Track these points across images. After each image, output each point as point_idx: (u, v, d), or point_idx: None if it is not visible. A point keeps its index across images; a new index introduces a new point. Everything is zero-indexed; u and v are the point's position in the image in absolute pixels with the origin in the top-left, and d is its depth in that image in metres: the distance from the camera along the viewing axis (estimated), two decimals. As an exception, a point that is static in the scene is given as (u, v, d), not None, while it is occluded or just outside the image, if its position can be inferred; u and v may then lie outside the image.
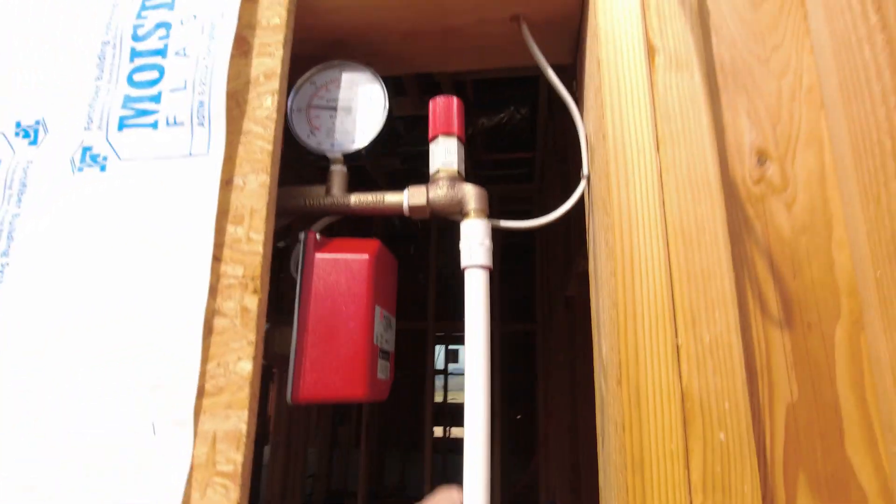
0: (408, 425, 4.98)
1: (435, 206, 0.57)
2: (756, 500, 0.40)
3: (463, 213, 0.56)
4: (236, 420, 0.46)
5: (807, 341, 0.48)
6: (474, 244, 0.54)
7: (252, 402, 0.47)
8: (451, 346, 5.34)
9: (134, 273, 0.48)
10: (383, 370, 0.55)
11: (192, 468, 0.45)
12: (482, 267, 0.54)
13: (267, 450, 2.85)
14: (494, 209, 0.58)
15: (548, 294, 2.54)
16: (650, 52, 0.49)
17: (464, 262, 0.55)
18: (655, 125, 0.47)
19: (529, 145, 2.71)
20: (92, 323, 0.48)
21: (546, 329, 2.60)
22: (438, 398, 4.71)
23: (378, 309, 0.54)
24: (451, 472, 4.41)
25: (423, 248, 3.51)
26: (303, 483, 2.92)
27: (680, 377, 0.43)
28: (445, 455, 4.49)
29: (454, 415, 5.22)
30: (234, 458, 0.45)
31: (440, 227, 3.32)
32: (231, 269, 0.48)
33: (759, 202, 0.51)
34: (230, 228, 0.49)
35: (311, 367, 0.50)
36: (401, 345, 0.63)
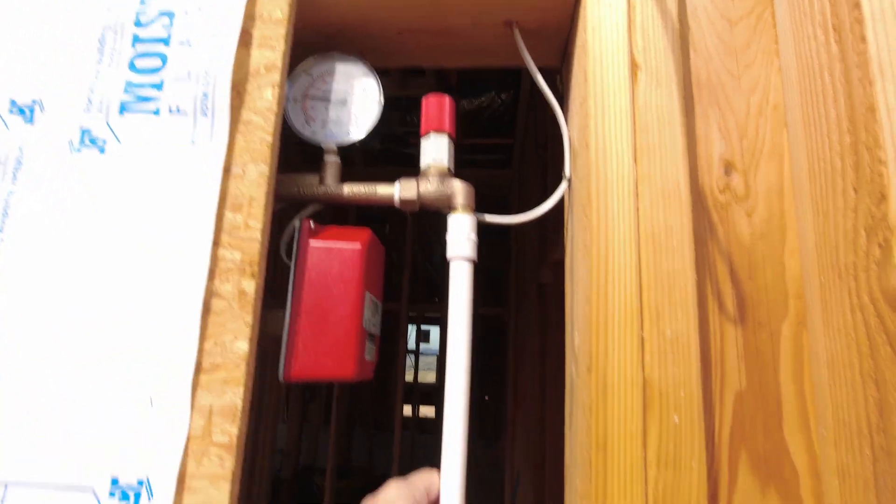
0: (377, 404, 5.05)
1: (424, 199, 0.60)
2: (702, 474, 0.46)
3: (451, 208, 0.60)
4: (232, 395, 0.49)
5: (756, 337, 0.53)
6: (461, 237, 0.57)
7: (247, 380, 0.49)
8: (422, 326, 5.39)
9: (133, 253, 0.50)
10: (370, 352, 0.59)
11: (189, 439, 0.48)
12: (467, 259, 0.58)
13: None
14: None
15: (520, 279, 2.60)
16: (633, 68, 0.52)
17: (450, 253, 0.58)
18: (635, 138, 0.51)
19: (508, 131, 2.73)
20: (90, 301, 0.49)
21: (517, 313, 2.66)
22: (409, 377, 4.78)
23: (368, 295, 0.57)
24: (419, 451, 4.50)
25: (398, 230, 3.52)
26: (272, 458, 2.95)
27: (643, 367, 0.48)
28: (414, 433, 4.58)
29: (424, 394, 5.32)
30: (229, 431, 0.48)
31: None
32: (229, 254, 0.50)
33: (724, 209, 0.56)
34: (229, 215, 0.51)
35: (304, 348, 0.53)
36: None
